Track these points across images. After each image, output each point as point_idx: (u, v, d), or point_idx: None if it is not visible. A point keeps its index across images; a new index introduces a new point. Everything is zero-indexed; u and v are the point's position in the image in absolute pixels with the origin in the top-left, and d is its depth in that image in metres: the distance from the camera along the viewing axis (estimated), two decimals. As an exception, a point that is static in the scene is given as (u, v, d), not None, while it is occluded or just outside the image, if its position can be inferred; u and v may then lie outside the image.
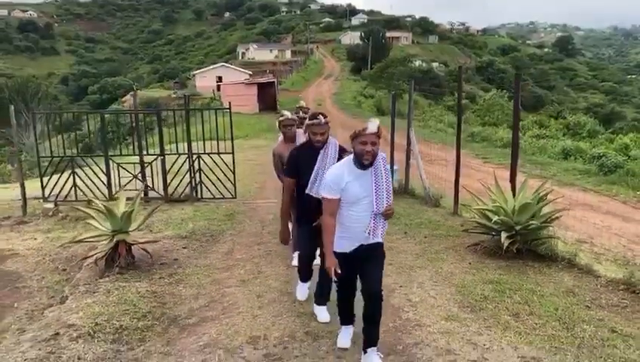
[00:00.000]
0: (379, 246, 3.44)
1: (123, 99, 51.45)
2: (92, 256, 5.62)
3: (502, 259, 5.47)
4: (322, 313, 4.19)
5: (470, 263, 5.46)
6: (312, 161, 4.02)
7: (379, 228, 3.38)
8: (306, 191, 4.03)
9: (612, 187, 11.37)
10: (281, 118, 5.27)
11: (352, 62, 70.62)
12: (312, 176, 4.04)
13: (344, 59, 77.10)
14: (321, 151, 4.02)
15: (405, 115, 9.81)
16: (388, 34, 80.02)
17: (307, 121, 4.15)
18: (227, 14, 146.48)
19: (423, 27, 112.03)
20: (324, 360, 3.55)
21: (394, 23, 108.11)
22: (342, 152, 3.96)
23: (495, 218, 5.54)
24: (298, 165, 4.13)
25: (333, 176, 3.34)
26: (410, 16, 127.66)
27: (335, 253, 3.39)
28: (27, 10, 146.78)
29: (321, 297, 4.23)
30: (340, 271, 3.35)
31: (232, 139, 8.96)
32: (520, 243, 5.50)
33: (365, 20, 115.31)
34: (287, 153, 4.56)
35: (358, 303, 3.55)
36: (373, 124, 3.21)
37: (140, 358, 3.61)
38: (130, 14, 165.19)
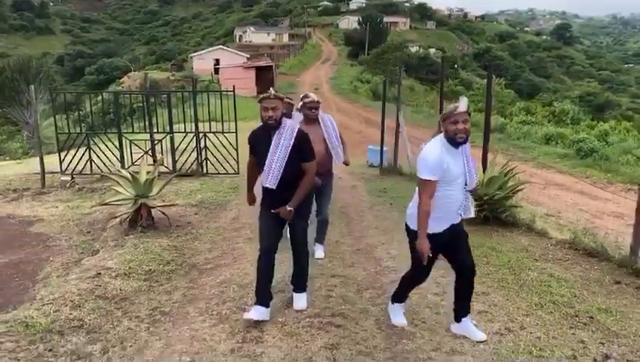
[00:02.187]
0: (462, 224, 3.56)
1: (121, 80, 51.72)
2: (117, 216, 6.48)
3: (471, 225, 6.29)
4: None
5: (444, 227, 6.35)
6: (266, 145, 3.78)
7: (469, 205, 3.48)
8: (263, 184, 3.85)
9: (586, 169, 12.30)
10: (307, 100, 4.99)
11: (350, 47, 70.97)
12: (266, 165, 3.80)
13: (341, 44, 77.38)
14: (275, 135, 3.74)
15: (401, 100, 10.66)
16: (386, 19, 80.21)
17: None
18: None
19: (421, 12, 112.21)
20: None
21: (392, 7, 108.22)
22: (302, 142, 3.79)
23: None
24: (255, 146, 3.93)
25: (435, 158, 3.26)
26: (408, 2, 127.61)
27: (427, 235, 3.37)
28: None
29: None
30: (431, 255, 3.41)
31: (235, 119, 9.78)
32: (487, 212, 6.39)
33: (363, 5, 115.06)
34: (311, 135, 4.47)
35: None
36: (463, 103, 3.24)
37: (169, 291, 4.49)
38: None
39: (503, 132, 17.39)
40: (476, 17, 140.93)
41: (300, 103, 5.03)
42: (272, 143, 3.74)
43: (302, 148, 3.80)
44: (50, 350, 3.42)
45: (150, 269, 4.97)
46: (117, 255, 5.42)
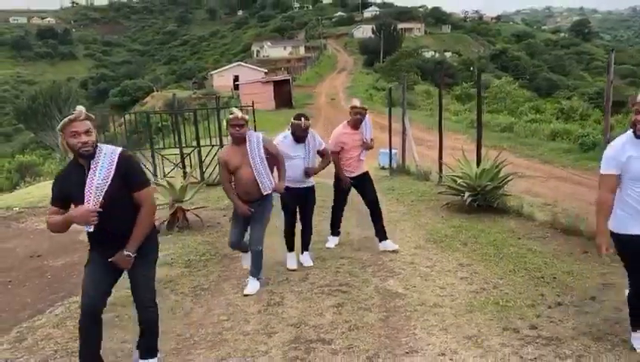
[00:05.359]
0: None
1: (144, 100, 53.57)
2: (157, 220, 7.46)
3: (467, 212, 7.19)
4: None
5: (442, 216, 7.19)
6: (79, 183, 3.04)
7: None
8: (87, 229, 3.09)
9: (588, 162, 12.93)
10: (230, 116, 4.56)
11: (365, 56, 71.98)
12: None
13: (357, 53, 78.46)
14: (91, 167, 3.02)
15: (415, 105, 11.52)
16: (400, 25, 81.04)
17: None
18: (240, 12, 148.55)
19: (436, 17, 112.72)
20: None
21: (406, 14, 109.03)
22: (126, 167, 3.09)
23: (459, 181, 7.25)
24: (61, 190, 3.13)
25: (613, 150, 3.13)
26: (422, 7, 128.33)
27: (619, 235, 3.20)
28: (45, 17, 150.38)
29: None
30: (609, 251, 3.26)
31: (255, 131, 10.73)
32: (481, 200, 7.20)
33: (377, 13, 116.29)
34: (235, 158, 4.58)
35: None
36: None
37: (206, 274, 5.42)
38: (145, 16, 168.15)
39: (512, 131, 18.04)
40: (492, 19, 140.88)
41: (225, 122, 4.71)
42: (88, 178, 2.99)
43: (128, 174, 3.09)
44: (117, 316, 4.37)
45: (189, 259, 5.92)
46: (159, 251, 6.38)
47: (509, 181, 7.40)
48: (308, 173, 5.15)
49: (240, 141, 4.58)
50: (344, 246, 6.11)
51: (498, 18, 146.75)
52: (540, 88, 62.21)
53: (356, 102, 5.68)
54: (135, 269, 3.24)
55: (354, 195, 6.06)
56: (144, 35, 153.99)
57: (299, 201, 5.32)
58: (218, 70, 57.76)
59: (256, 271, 4.86)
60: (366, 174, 5.90)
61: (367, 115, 5.76)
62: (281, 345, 3.70)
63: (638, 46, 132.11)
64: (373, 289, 4.66)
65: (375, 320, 4.00)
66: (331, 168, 5.72)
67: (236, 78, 49.03)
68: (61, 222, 3.08)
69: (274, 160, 4.77)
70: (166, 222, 7.37)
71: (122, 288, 5.03)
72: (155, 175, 10.87)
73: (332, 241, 6.12)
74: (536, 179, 11.56)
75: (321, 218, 6.44)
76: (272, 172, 4.79)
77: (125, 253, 3.14)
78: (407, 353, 3.48)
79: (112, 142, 14.41)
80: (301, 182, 5.19)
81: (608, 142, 6.04)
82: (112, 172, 3.03)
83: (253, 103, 11.01)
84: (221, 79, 52.36)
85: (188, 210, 7.44)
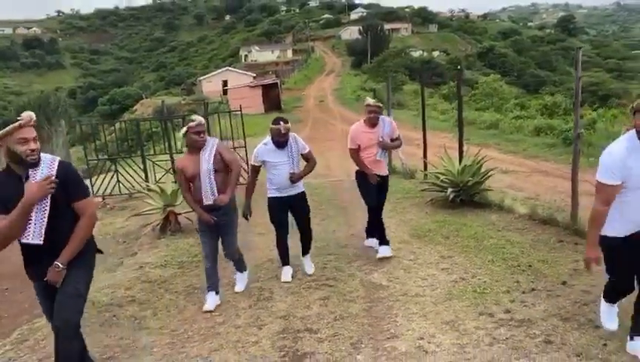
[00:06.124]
0: None
1: (133, 108, 53.58)
2: (150, 224, 7.66)
3: (450, 208, 7.43)
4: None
5: (426, 212, 7.43)
6: (17, 192, 2.87)
7: None
8: (22, 240, 2.93)
9: (570, 156, 13.19)
10: (192, 124, 4.30)
11: (353, 57, 72.35)
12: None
13: (344, 55, 78.86)
14: (30, 176, 2.90)
15: (404, 105, 11.79)
16: (387, 26, 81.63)
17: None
18: (227, 17, 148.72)
19: (423, 17, 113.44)
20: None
21: (393, 14, 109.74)
22: (67, 176, 2.97)
23: (442, 177, 7.50)
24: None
25: (613, 158, 2.93)
26: (408, 7, 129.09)
27: (607, 237, 3.13)
28: (31, 27, 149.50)
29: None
30: (595, 265, 3.19)
31: (244, 135, 10.96)
32: (463, 195, 7.44)
33: (364, 14, 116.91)
34: (191, 167, 4.33)
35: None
36: None
37: (199, 274, 5.60)
38: (132, 24, 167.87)
39: (497, 128, 18.36)
40: (478, 17, 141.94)
41: (184, 129, 4.36)
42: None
43: (67, 183, 2.96)
44: (114, 316, 4.57)
45: (182, 261, 6.12)
46: (153, 253, 6.59)
47: (489, 176, 7.65)
48: (293, 178, 4.89)
49: (198, 149, 4.34)
50: (330, 242, 6.32)
51: (484, 16, 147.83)
52: (527, 85, 62.91)
53: (369, 101, 5.45)
54: (63, 283, 2.93)
55: (343, 191, 6.26)
56: (132, 43, 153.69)
57: (287, 211, 5.09)
58: (207, 76, 57.86)
59: (241, 267, 4.99)
60: (386, 177, 5.63)
61: (389, 118, 5.63)
62: (270, 335, 3.93)
63: (623, 40, 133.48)
64: (358, 282, 4.89)
65: (359, 311, 4.23)
66: (326, 169, 5.93)
67: (225, 83, 49.17)
68: (17, 214, 2.80)
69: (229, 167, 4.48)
70: (158, 226, 7.56)
71: (119, 288, 5.28)
72: (146, 181, 11.06)
73: (383, 251, 5.45)
74: (520, 174, 11.82)
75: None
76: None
77: (55, 263, 2.89)
78: (388, 338, 3.71)
79: (103, 150, 14.61)
80: (288, 189, 4.97)
81: (578, 136, 6.32)
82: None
83: (241, 107, 11.19)
84: (210, 85, 52.45)
85: (179, 214, 7.62)
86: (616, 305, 3.43)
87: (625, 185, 2.96)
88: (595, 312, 3.73)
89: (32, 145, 2.85)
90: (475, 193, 7.50)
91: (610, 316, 3.45)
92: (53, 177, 2.87)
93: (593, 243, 3.16)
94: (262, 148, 4.91)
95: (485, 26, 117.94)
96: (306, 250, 5.31)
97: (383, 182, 5.60)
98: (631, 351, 3.23)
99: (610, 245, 3.16)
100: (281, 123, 4.77)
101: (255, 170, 5.05)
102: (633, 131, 2.92)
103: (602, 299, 3.50)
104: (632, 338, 3.25)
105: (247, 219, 5.09)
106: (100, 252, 3.36)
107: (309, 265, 5.29)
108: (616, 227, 3.10)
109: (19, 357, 3.93)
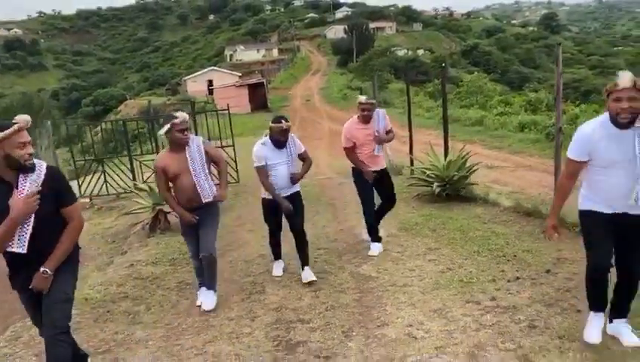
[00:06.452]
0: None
1: (117, 109, 53.15)
2: (139, 223, 7.70)
3: (436, 202, 7.57)
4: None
5: (413, 207, 7.56)
6: (3, 199, 2.78)
7: None
8: (8, 249, 2.85)
9: (554, 151, 13.46)
10: (176, 121, 4.16)
11: (338, 56, 72.51)
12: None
13: (330, 54, 79.00)
14: (19, 181, 2.82)
15: (391, 104, 11.90)
16: (372, 24, 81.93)
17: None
18: (212, 17, 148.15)
19: (407, 15, 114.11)
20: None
21: (377, 13, 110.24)
22: (55, 182, 2.91)
23: (428, 172, 7.63)
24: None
25: (582, 136, 3.05)
26: (393, 6, 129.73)
27: (580, 211, 3.23)
28: (11, 28, 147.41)
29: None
30: (559, 234, 3.31)
31: (232, 134, 11.00)
32: (449, 190, 7.58)
33: (349, 13, 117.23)
34: (174, 165, 4.23)
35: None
36: (624, 77, 2.84)
37: (190, 270, 5.62)
38: (115, 24, 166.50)
39: (482, 124, 18.58)
40: (462, 15, 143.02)
41: (167, 127, 4.19)
42: (17, 193, 2.76)
43: (55, 189, 2.91)
44: (108, 311, 4.62)
45: (173, 258, 6.17)
46: (144, 251, 6.64)
47: (475, 171, 7.80)
48: (294, 179, 4.79)
49: (181, 147, 4.23)
50: (321, 238, 6.41)
51: (468, 14, 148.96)
52: (511, 82, 63.51)
53: (362, 98, 5.41)
54: (51, 288, 2.91)
55: (332, 189, 6.35)
56: (115, 43, 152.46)
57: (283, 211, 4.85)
58: (191, 75, 57.61)
59: (211, 282, 4.52)
60: (384, 170, 5.66)
61: (382, 110, 5.61)
62: (263, 326, 4.01)
63: (605, 37, 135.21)
64: (348, 274, 4.99)
65: (350, 301, 4.34)
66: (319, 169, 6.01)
67: (210, 83, 49.04)
68: (3, 231, 2.75)
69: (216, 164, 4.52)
70: (148, 225, 7.60)
71: (111, 285, 5.32)
72: (134, 180, 11.06)
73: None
74: (505, 169, 12.02)
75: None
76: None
77: (42, 269, 2.85)
78: (378, 326, 3.82)
79: (89, 151, 14.57)
80: (286, 189, 4.82)
81: (560, 130, 6.47)
82: (40, 187, 2.81)
83: (228, 106, 11.24)
84: (195, 85, 52.22)
85: (169, 212, 7.65)
86: (602, 314, 3.34)
87: (593, 162, 3.09)
88: (577, 298, 3.87)
89: (30, 149, 2.79)
90: (461, 187, 7.65)
91: (592, 329, 3.33)
92: (41, 181, 2.83)
93: (553, 212, 3.35)
94: (261, 148, 4.73)
95: (469, 24, 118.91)
96: (305, 261, 4.96)
97: (383, 175, 5.62)
98: (610, 333, 3.38)
99: (583, 219, 3.30)
100: (283, 121, 4.63)
101: (264, 173, 4.77)
102: (607, 113, 3.01)
103: (589, 311, 3.39)
104: (611, 321, 3.39)
105: (290, 211, 4.75)
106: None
107: (308, 273, 4.89)
108: (587, 203, 3.24)
109: (15, 352, 3.97)
